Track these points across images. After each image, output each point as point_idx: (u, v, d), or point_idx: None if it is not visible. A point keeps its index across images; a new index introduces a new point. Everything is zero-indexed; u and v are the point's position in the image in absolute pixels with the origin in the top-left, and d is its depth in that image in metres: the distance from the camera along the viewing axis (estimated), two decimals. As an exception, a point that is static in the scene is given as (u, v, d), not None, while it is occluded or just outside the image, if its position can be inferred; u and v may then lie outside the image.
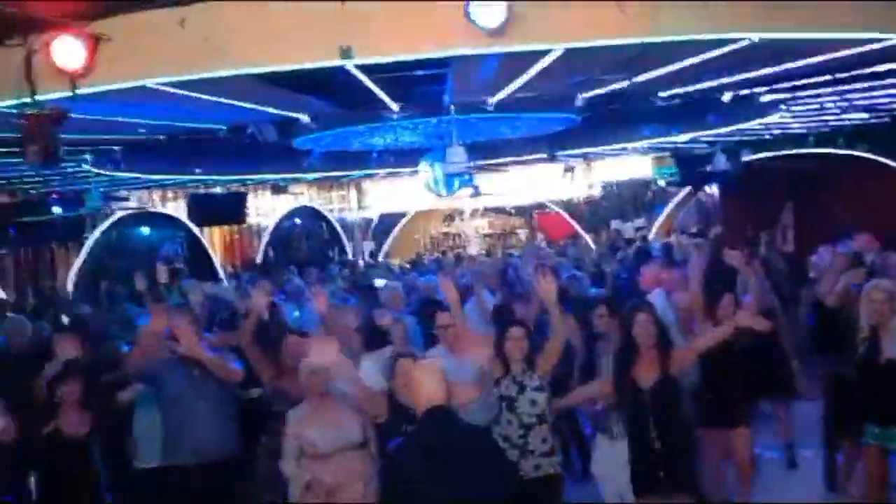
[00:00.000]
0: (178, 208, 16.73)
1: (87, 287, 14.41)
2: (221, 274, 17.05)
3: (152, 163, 10.91)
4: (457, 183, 10.93)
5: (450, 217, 22.17)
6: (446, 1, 5.30)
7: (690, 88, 8.15)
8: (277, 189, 17.51)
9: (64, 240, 13.62)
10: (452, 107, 7.75)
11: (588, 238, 19.60)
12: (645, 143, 13.06)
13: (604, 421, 6.17)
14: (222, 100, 6.63)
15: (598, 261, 13.40)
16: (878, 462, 5.83)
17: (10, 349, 7.50)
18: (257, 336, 6.26)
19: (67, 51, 5.44)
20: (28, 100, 5.58)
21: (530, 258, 9.63)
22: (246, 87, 6.37)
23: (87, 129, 7.32)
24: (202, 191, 14.92)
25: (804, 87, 8.28)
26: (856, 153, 15.20)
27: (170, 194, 16.48)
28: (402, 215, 21.08)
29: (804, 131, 13.25)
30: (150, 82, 5.69)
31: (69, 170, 10.39)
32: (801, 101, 9.37)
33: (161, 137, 8.93)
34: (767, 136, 14.54)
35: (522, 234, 22.39)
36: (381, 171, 14.29)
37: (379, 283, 11.44)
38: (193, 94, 6.25)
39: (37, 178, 11.25)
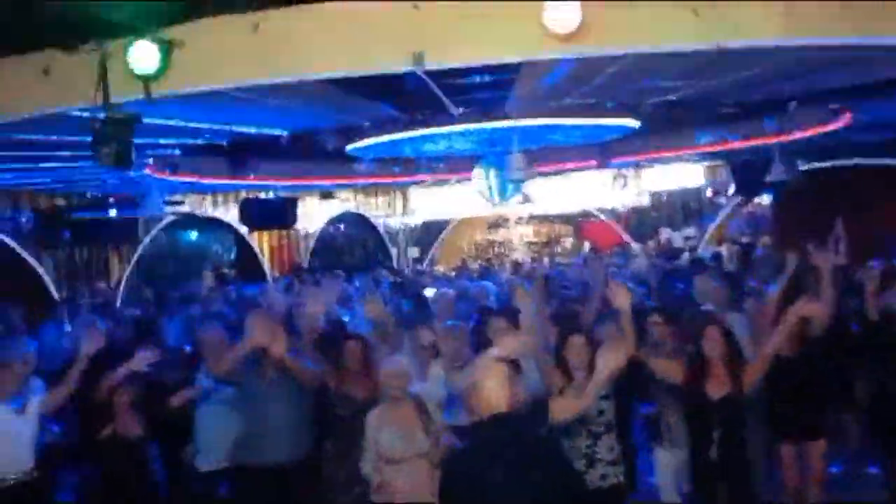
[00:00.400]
0: (226, 213, 16.86)
1: (138, 289, 14.58)
2: (269, 278, 17.19)
3: (208, 167, 10.99)
4: (510, 189, 10.88)
5: (495, 224, 22.10)
6: (520, 1, 5.25)
7: (758, 97, 8.02)
8: (325, 195, 17.58)
9: (118, 242, 13.78)
10: (514, 113, 7.67)
11: (636, 247, 19.39)
12: (699, 151, 12.88)
13: (658, 430, 6.11)
14: (291, 105, 6.64)
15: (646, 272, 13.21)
16: None
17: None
18: (318, 342, 6.29)
19: (142, 55, 5.49)
20: (102, 104, 5.66)
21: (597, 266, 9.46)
22: (314, 93, 6.37)
23: (151, 133, 7.38)
24: (253, 196, 15.00)
25: (872, 94, 8.10)
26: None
27: (219, 199, 16.59)
28: (447, 222, 21.06)
29: (861, 141, 12.97)
30: (223, 87, 5.70)
31: (129, 173, 10.51)
32: (867, 109, 9.18)
33: (223, 143, 8.99)
34: (822, 146, 14.25)
35: (568, 241, 22.25)
36: (431, 178, 14.25)
37: (428, 291, 11.43)
38: (263, 100, 6.27)
39: (94, 180, 11.39)
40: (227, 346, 6.06)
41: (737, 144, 12.64)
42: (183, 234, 18.66)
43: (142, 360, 5.89)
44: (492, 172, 10.35)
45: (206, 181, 11.66)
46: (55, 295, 13.11)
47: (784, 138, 11.30)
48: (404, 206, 20.43)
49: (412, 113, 7.57)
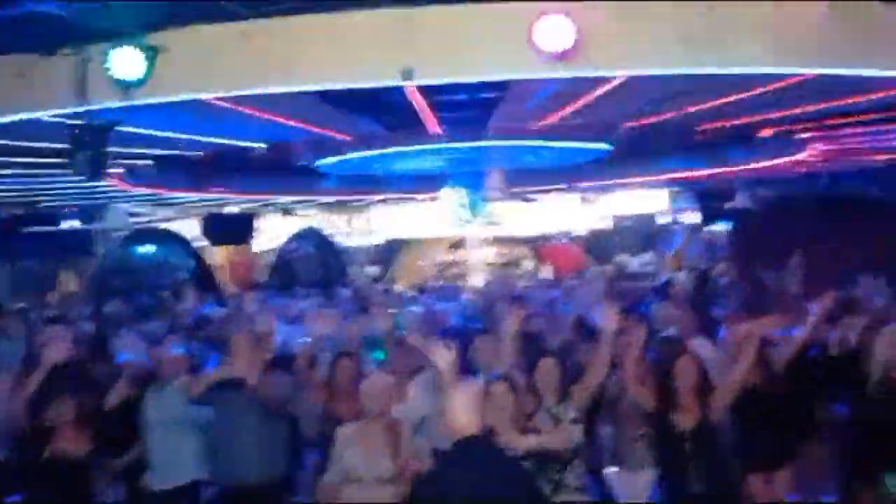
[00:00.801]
0: (186, 226, 16.55)
1: (92, 302, 14.20)
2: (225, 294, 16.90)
3: (174, 180, 10.77)
4: (480, 209, 10.85)
5: (454, 245, 22.01)
6: (512, 21, 5.24)
7: (736, 122, 8.11)
8: (286, 211, 17.38)
9: (73, 254, 13.43)
10: (493, 133, 7.64)
11: (593, 270, 19.47)
12: (666, 178, 13.02)
13: (622, 452, 6.08)
14: (272, 117, 6.53)
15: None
16: None
17: None
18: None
19: (125, 61, 5.35)
20: (79, 109, 5.49)
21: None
22: (298, 105, 6.27)
23: (122, 142, 7.19)
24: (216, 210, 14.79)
25: (843, 126, 8.25)
26: (866, 194, 15.27)
27: (176, 213, 16.30)
28: (407, 241, 20.93)
29: (823, 171, 13.25)
30: (207, 96, 5.57)
31: (90, 183, 10.24)
32: (835, 139, 9.35)
33: (195, 154, 8.81)
34: (782, 176, 14.52)
35: (529, 264, 22.25)
36: (396, 196, 14.19)
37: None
38: (244, 110, 6.14)
39: (54, 190, 11.08)
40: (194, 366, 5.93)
41: (703, 173, 12.79)
42: (137, 247, 18.25)
43: (56, 351, 5.71)
44: (462, 192, 10.30)
45: (171, 194, 11.41)
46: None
47: (750, 168, 11.50)
48: (364, 225, 20.26)
49: (393, 129, 7.48)
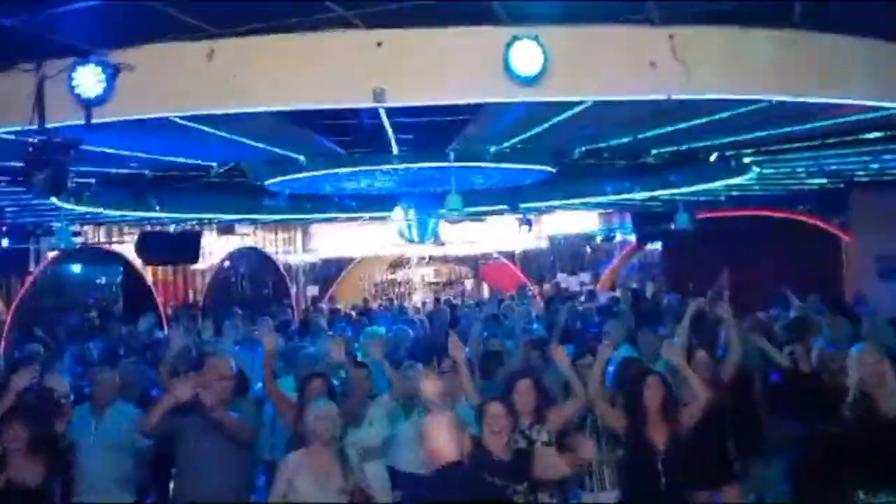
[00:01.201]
0: (122, 244, 16.15)
1: (24, 323, 13.75)
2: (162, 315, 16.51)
3: (115, 197, 10.50)
4: (429, 230, 10.87)
5: (396, 264, 22.02)
6: (484, 44, 5.28)
7: (685, 147, 8.32)
8: (224, 229, 17.08)
9: (8, 272, 12.96)
10: (452, 154, 7.67)
11: (535, 290, 19.69)
12: (608, 199, 13.25)
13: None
14: (232, 136, 6.43)
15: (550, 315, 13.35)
16: None
17: None
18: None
19: (87, 78, 5.21)
20: (37, 127, 5.32)
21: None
22: (260, 124, 6.19)
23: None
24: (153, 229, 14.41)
25: (790, 150, 8.54)
26: (795, 216, 15.78)
27: (114, 230, 15.86)
28: (349, 260, 20.84)
29: (761, 193, 13.64)
30: (171, 115, 5.46)
31: (25, 200, 9.92)
32: (779, 163, 9.66)
33: (144, 173, 8.62)
34: (714, 197, 14.89)
35: (468, 283, 22.39)
36: (345, 215, 14.09)
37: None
38: (207, 129, 6.04)
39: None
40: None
41: (639, 195, 13.00)
42: (65, 266, 17.69)
43: (23, 378, 5.60)
44: (411, 212, 10.31)
45: (113, 213, 11.11)
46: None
47: (689, 191, 11.78)
48: (304, 243, 20.09)
49: (352, 148, 7.45)
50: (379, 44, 5.24)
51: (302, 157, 7.89)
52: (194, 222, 13.95)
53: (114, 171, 8.46)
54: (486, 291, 21.76)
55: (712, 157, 8.98)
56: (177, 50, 5.35)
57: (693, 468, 6.10)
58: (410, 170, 8.91)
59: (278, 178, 9.30)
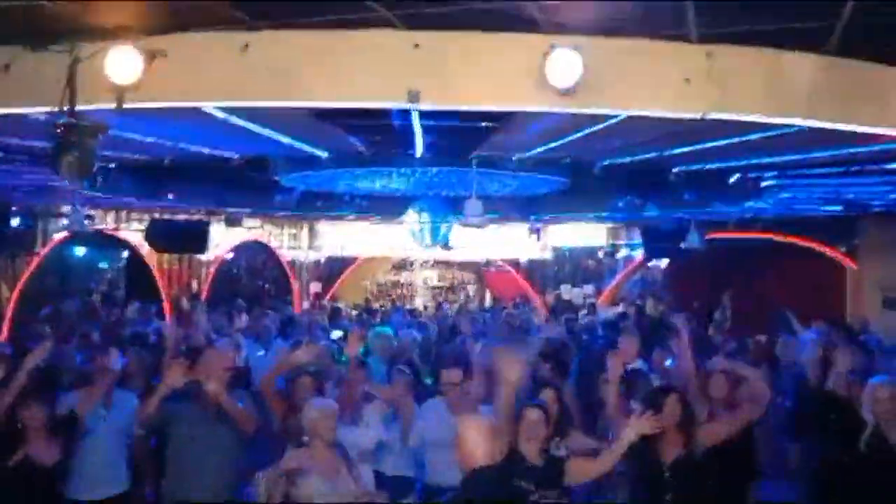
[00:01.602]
0: (130, 230, 16.09)
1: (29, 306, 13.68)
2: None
3: (129, 183, 10.46)
4: (442, 233, 10.83)
5: (399, 266, 21.96)
6: (521, 52, 5.24)
7: (708, 167, 8.28)
8: (232, 221, 17.04)
9: (15, 252, 12.90)
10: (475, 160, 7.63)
11: (538, 300, 19.65)
12: (619, 214, 13.23)
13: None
14: (261, 130, 6.39)
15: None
16: None
17: None
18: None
19: (120, 62, 5.16)
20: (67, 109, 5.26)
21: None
22: (287, 118, 6.15)
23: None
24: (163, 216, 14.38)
25: (812, 176, 8.51)
26: (800, 241, 15.76)
27: (123, 215, 15.80)
28: (353, 259, 20.78)
29: (769, 217, 13.62)
30: (203, 104, 5.41)
31: (39, 181, 9.88)
32: (799, 188, 9.63)
33: (164, 160, 8.58)
34: (725, 218, 14.87)
35: (471, 289, 22.33)
36: (353, 215, 14.06)
37: (335, 333, 11.24)
38: (234, 121, 6.00)
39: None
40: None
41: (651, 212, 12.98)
42: (70, 249, 17.62)
43: (41, 352, 5.66)
44: (426, 216, 10.28)
45: (127, 199, 11.07)
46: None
47: (700, 210, 11.75)
48: (311, 240, 20.02)
49: (378, 148, 7.40)
50: (416, 45, 5.19)
51: (324, 154, 7.83)
52: (203, 212, 13.92)
53: (131, 156, 8.39)
54: (488, 298, 21.75)
55: (732, 179, 8.95)
56: (212, 40, 5.29)
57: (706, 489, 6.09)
58: (429, 172, 8.88)
59: (297, 174, 9.26)
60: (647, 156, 7.67)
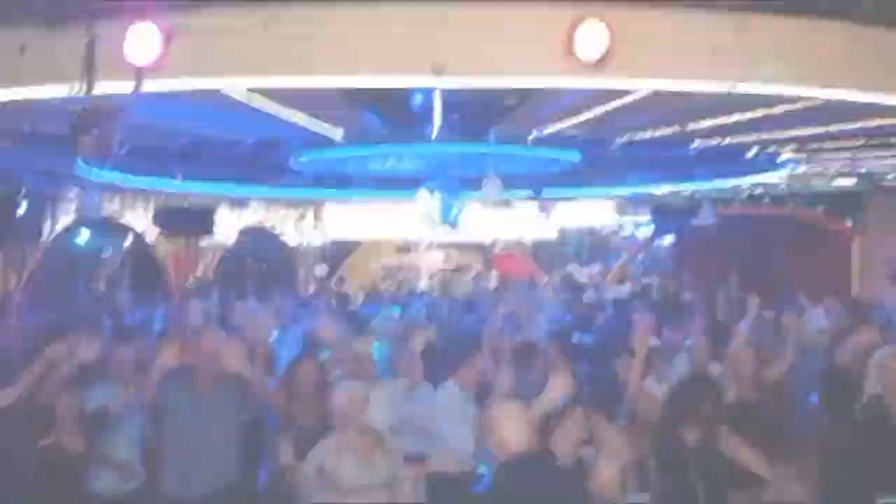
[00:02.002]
0: (135, 216, 16.02)
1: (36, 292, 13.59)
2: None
3: (138, 165, 10.37)
4: (454, 214, 10.73)
5: (404, 248, 21.82)
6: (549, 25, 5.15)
7: (732, 140, 8.18)
8: (238, 205, 16.96)
9: (23, 238, 12.82)
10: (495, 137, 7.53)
11: (545, 279, 19.53)
12: (631, 191, 13.14)
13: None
14: (280, 111, 6.29)
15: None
16: None
17: None
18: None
19: (140, 42, 5.06)
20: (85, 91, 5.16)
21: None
22: (305, 95, 6.05)
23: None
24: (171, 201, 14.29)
25: (831, 149, 8.42)
26: (807, 215, 15.66)
27: (128, 200, 15.71)
28: (358, 241, 20.65)
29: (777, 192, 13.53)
30: (223, 85, 5.31)
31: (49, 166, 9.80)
32: (816, 161, 9.54)
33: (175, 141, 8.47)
34: (736, 194, 14.77)
35: (477, 269, 22.19)
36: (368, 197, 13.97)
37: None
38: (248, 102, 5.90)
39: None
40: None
41: (666, 188, 12.92)
42: (77, 236, 17.52)
43: (92, 347, 5.46)
44: (437, 196, 10.19)
45: (132, 182, 10.97)
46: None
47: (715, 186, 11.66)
48: (316, 222, 19.89)
49: (395, 125, 7.28)
50: (441, 19, 5.09)
51: (339, 133, 7.73)
52: (210, 195, 13.84)
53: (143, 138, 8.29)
54: (493, 279, 21.60)
55: (750, 153, 8.85)
56: (233, 16, 5.18)
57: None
58: (445, 152, 8.78)
59: (311, 155, 9.17)
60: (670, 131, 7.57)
